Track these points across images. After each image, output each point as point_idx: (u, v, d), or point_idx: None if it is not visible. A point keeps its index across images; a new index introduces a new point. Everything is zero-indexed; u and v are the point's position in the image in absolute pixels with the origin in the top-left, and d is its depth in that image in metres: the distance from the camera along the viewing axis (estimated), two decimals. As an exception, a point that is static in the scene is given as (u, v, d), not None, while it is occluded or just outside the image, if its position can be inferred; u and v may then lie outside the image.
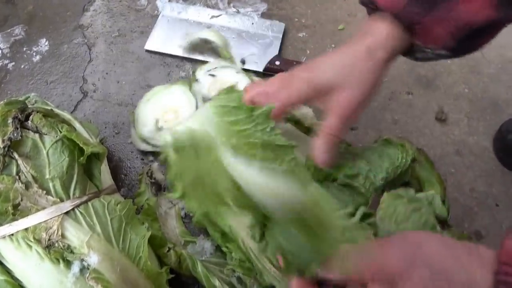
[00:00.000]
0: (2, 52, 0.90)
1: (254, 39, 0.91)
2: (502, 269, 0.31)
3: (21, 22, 0.94)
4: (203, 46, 0.88)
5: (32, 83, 0.85)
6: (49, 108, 0.57)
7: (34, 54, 0.89)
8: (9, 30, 0.92)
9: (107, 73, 0.87)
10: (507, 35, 0.95)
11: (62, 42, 0.91)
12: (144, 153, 0.77)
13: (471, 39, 0.44)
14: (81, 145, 0.51)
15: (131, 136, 0.78)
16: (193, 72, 0.82)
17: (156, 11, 0.95)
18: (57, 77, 0.86)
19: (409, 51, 0.47)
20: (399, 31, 0.44)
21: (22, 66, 0.88)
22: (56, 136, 0.50)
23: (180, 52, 0.88)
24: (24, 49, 0.90)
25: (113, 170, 0.73)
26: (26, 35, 0.92)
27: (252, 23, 0.93)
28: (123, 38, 0.92)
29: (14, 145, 0.49)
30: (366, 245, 0.37)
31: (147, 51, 0.90)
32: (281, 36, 0.90)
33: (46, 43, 0.91)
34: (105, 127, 0.80)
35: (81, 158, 0.52)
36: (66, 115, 0.60)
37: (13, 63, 0.88)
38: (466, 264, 0.33)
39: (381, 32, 0.44)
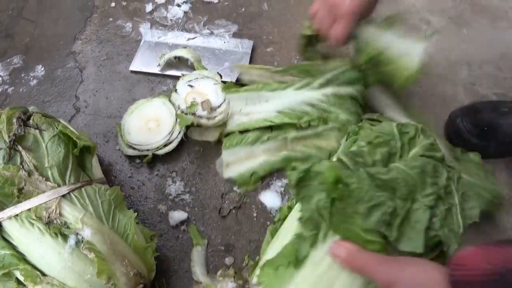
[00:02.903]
0: (2, 79, 1.00)
1: (226, 55, 1.02)
2: (451, 271, 0.43)
3: (19, 53, 1.05)
4: (178, 63, 0.99)
5: (30, 103, 0.95)
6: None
7: (31, 79, 1.00)
8: (8, 60, 1.03)
9: (97, 91, 0.98)
10: (451, 40, 1.10)
11: (56, 67, 1.02)
12: (131, 158, 0.86)
13: None
14: (74, 138, 0.61)
15: (118, 144, 0.88)
16: (174, 86, 0.93)
17: (139, 37, 1.07)
18: (52, 97, 0.97)
19: None
20: None
21: (21, 90, 0.98)
22: (54, 132, 0.60)
23: (159, 71, 1.00)
24: (22, 75, 1.01)
25: (105, 173, 0.82)
26: (24, 63, 1.03)
27: (225, 42, 1.05)
28: (111, 61, 1.03)
29: (18, 140, 0.58)
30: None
31: (132, 71, 1.01)
32: (250, 52, 1.02)
33: (42, 69, 1.02)
34: (96, 137, 0.89)
35: (75, 150, 0.61)
36: (62, 121, 0.70)
37: (13, 88, 0.99)
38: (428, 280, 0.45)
39: None
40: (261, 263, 0.58)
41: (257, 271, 0.56)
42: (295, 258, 0.49)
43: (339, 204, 0.49)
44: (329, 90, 0.84)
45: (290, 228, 0.56)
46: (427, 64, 1.06)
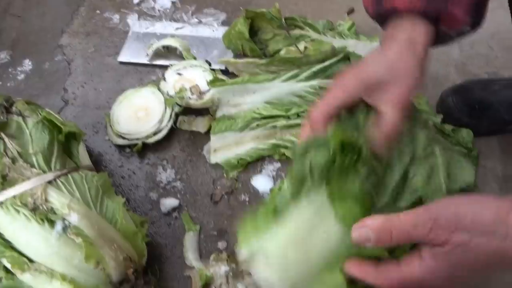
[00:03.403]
0: (-11, 75, 0.99)
1: (215, 43, 1.01)
2: None
3: (6, 48, 1.04)
4: (167, 53, 0.99)
5: (18, 98, 0.95)
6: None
7: (19, 73, 0.99)
8: (-5, 56, 1.03)
9: (85, 83, 0.97)
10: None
11: (44, 61, 1.01)
12: (121, 147, 0.85)
13: (479, 8, 0.51)
14: (59, 124, 0.60)
15: (108, 134, 0.87)
16: (163, 75, 0.93)
17: (127, 28, 1.06)
18: (40, 91, 0.96)
19: (436, 40, 0.51)
20: (425, 25, 0.49)
21: (8, 85, 0.97)
22: (37, 118, 0.59)
23: (148, 61, 0.99)
24: (10, 70, 1.00)
25: (95, 163, 0.81)
26: (11, 58, 1.02)
27: (213, 30, 1.04)
28: (99, 53, 1.02)
29: (1, 127, 0.57)
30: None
31: (121, 62, 1.00)
32: (239, 39, 1.01)
33: (30, 63, 1.01)
34: (86, 128, 0.89)
35: (60, 136, 0.60)
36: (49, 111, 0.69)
37: (0, 83, 0.98)
38: (503, 216, 0.36)
39: (410, 31, 0.48)
40: None
41: None
42: (274, 209, 0.48)
43: (339, 160, 0.47)
44: (316, 82, 0.84)
45: None
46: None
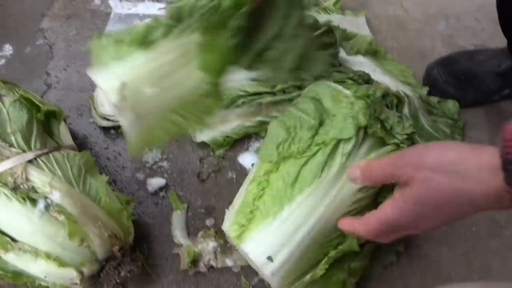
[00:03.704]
0: (-31, 61, 0.97)
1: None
2: (506, 149, 0.34)
3: (-14, 34, 1.02)
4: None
5: None
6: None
7: (-1, 58, 0.97)
8: (-26, 42, 1.00)
9: (68, 66, 0.95)
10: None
11: (25, 45, 0.99)
12: (106, 129, 0.85)
13: None
14: (37, 103, 0.59)
15: (92, 116, 0.86)
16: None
17: (109, 9, 1.04)
18: (22, 75, 0.94)
19: None
20: None
21: (-11, 70, 0.96)
22: (14, 97, 0.58)
23: (133, 41, 0.97)
24: (-10, 55, 0.98)
25: (80, 146, 0.80)
26: (-9, 44, 1.00)
27: (197, 9, 1.03)
28: (81, 36, 1.01)
29: (-24, 107, 0.56)
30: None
31: (104, 44, 0.98)
32: (223, 16, 1.00)
33: (10, 48, 0.99)
34: (70, 111, 0.87)
35: (39, 115, 0.59)
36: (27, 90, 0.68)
37: (-19, 69, 0.96)
38: (470, 157, 0.37)
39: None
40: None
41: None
42: (142, 39, 0.45)
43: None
44: None
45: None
46: (404, 19, 1.05)
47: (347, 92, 0.61)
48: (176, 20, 0.47)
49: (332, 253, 0.57)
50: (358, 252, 0.60)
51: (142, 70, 0.45)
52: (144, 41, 0.46)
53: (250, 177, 0.62)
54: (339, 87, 0.63)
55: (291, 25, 0.52)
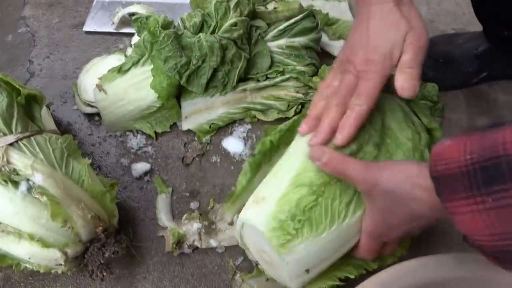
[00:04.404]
0: (-50, 49, 0.96)
1: (183, 8, 1.00)
2: (432, 168, 0.41)
3: (-34, 22, 1.01)
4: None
5: (-18, 71, 0.92)
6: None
7: (-20, 47, 0.97)
8: (-45, 31, 0.99)
9: (51, 54, 0.95)
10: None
11: (6, 33, 0.99)
12: (90, 116, 0.85)
13: None
14: (17, 86, 0.59)
15: (76, 103, 0.86)
16: (130, 42, 0.91)
17: (91, -4, 1.04)
18: (4, 63, 0.94)
19: None
20: None
21: (-29, 59, 0.95)
22: (-7, 80, 0.58)
23: (114, 29, 0.97)
24: (-29, 44, 0.97)
25: (64, 133, 0.80)
26: (-28, 33, 0.99)
27: (181, -4, 1.03)
28: (64, 23, 1.00)
29: (-45, 91, 0.56)
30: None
31: (87, 32, 0.98)
32: (206, 3, 1.00)
33: (-8, 36, 0.98)
34: (53, 99, 0.87)
35: (19, 98, 0.59)
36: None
37: (-38, 58, 0.95)
38: (407, 179, 0.46)
39: None
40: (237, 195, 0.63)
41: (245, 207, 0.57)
42: (119, 69, 0.79)
43: (155, 45, 0.74)
44: (283, 41, 0.83)
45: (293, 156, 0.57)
46: None
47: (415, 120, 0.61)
48: (141, 55, 0.79)
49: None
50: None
51: (120, 86, 0.79)
52: (120, 70, 0.79)
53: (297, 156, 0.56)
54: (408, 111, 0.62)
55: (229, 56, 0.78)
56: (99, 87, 0.79)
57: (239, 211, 0.59)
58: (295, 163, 0.55)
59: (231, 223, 0.69)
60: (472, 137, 0.39)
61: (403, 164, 0.49)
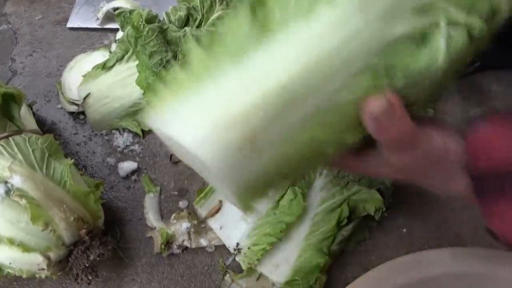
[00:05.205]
0: None
1: (169, 2, 0.97)
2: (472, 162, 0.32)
3: None
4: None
5: (-38, 71, 0.90)
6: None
7: (-39, 46, 0.94)
8: None
9: (34, 52, 0.92)
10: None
11: (-13, 31, 0.96)
12: (74, 114, 0.82)
13: None
14: (-8, 85, 0.57)
15: (60, 102, 0.84)
16: (116, 38, 0.89)
17: (75, -8, 1.01)
18: (-15, 62, 0.91)
19: None
20: None
21: (-50, 58, 0.92)
22: (-32, 79, 0.56)
23: (99, 25, 0.94)
24: (-49, 42, 0.94)
25: (48, 133, 0.78)
26: (-48, 31, 0.96)
27: (167, -11, 1.00)
28: (47, 20, 0.97)
29: None
30: None
31: (70, 28, 0.95)
32: (193, -4, 0.98)
33: (-28, 34, 0.95)
34: (37, 97, 0.85)
35: (-4, 98, 0.57)
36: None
37: None
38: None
39: None
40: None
41: None
42: (103, 66, 0.77)
43: (139, 40, 0.71)
44: None
45: None
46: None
47: None
48: (125, 50, 0.77)
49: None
50: (336, 235, 0.62)
51: (106, 83, 0.77)
52: (104, 67, 0.78)
53: None
54: None
55: None
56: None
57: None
58: None
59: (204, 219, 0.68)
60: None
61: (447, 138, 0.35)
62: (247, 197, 0.32)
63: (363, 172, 0.39)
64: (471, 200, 0.35)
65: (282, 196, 0.66)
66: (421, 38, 0.30)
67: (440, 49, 0.29)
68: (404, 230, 0.70)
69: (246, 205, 0.33)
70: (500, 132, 0.31)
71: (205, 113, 0.28)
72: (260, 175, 0.30)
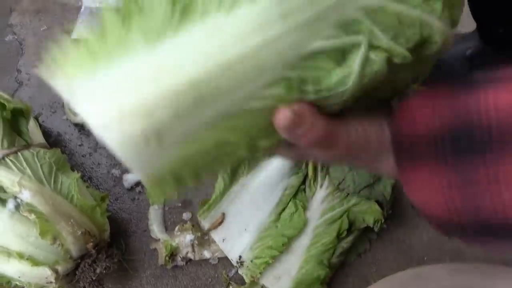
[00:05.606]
0: None
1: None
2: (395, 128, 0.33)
3: (-48, 31, 0.99)
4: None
5: (-32, 82, 0.91)
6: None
7: (-33, 56, 0.95)
8: None
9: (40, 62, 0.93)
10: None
11: (-7, 42, 0.97)
12: (80, 126, 0.84)
13: None
14: (2, 101, 0.58)
15: (66, 113, 0.85)
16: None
17: (79, 3, 1.02)
18: (-9, 73, 0.92)
19: None
20: None
21: (-44, 70, 0.93)
22: (-22, 96, 0.57)
23: (105, 35, 0.96)
24: (-43, 53, 0.96)
25: (54, 144, 0.80)
26: (-42, 41, 0.98)
27: (170, 1, 1.02)
28: (52, 31, 0.99)
29: None
30: None
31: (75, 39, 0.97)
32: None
33: (-22, 45, 0.97)
34: (42, 109, 0.86)
35: (5, 114, 0.58)
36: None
37: None
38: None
39: None
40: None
41: None
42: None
43: None
44: None
45: None
46: None
47: None
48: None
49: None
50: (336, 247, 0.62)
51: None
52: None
53: None
54: None
55: None
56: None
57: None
58: None
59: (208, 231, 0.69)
60: (441, 95, 0.32)
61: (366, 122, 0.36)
62: (156, 189, 0.30)
63: (291, 157, 0.40)
64: (398, 176, 0.35)
65: (284, 209, 0.68)
66: (342, 56, 0.29)
67: (353, 71, 0.29)
68: (404, 242, 0.71)
69: (155, 196, 0.34)
70: (424, 98, 0.32)
71: (112, 95, 0.27)
72: (168, 170, 0.29)
